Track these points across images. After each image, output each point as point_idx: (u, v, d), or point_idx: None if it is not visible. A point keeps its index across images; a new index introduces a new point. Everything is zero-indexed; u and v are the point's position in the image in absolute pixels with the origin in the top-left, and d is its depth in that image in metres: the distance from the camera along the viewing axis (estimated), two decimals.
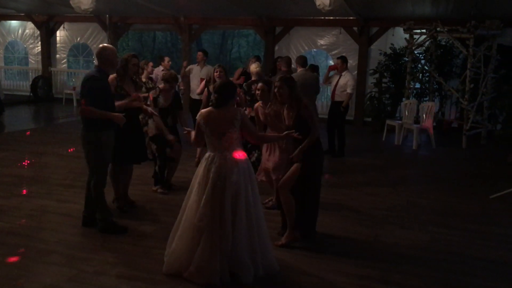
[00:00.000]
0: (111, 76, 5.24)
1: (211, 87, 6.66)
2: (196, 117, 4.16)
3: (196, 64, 9.51)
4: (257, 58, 10.94)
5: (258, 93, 5.54)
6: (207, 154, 4.09)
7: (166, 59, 9.16)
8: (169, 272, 4.03)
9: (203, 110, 4.16)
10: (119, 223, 5.01)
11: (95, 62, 16.80)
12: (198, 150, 7.14)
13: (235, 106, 4.29)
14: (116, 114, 4.80)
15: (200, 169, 4.05)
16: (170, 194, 6.24)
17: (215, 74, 6.68)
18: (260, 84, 5.57)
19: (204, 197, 3.92)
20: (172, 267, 4.04)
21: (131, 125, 5.28)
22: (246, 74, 9.67)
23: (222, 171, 3.93)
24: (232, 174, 3.93)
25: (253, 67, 7.11)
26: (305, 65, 7.76)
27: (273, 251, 4.27)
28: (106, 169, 5.04)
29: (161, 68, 9.11)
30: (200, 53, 9.56)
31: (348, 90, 8.63)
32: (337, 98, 8.77)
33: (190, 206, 4.04)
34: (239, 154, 4.03)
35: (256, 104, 5.68)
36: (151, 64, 7.55)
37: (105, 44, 4.99)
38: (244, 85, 7.03)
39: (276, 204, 5.35)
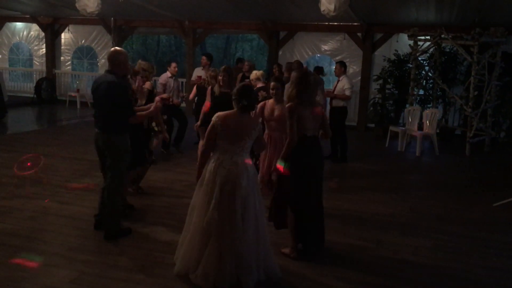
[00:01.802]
0: None
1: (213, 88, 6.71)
2: (212, 119, 3.98)
3: (201, 68, 9.50)
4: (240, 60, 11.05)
5: (273, 92, 5.62)
6: (215, 156, 3.99)
7: (173, 64, 8.96)
8: (179, 273, 4.03)
9: (221, 113, 3.99)
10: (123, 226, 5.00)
11: (99, 64, 16.57)
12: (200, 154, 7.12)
13: None
14: (149, 106, 5.09)
15: (207, 171, 3.98)
16: (173, 197, 6.24)
17: (219, 78, 6.62)
18: (273, 84, 5.65)
19: (212, 201, 3.87)
20: (182, 271, 4.03)
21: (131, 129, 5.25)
22: (245, 77, 9.69)
23: (231, 175, 3.88)
24: (242, 179, 3.89)
25: (254, 75, 7.19)
26: None
27: (274, 257, 4.25)
28: (126, 174, 4.99)
29: (168, 74, 8.93)
30: (204, 57, 9.53)
31: (347, 93, 8.64)
32: (335, 104, 8.78)
33: (198, 208, 4.00)
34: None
35: (261, 104, 5.71)
36: None
37: (117, 48, 4.91)
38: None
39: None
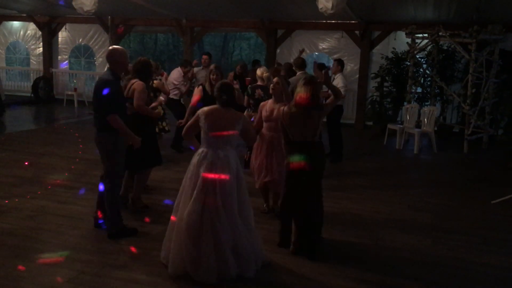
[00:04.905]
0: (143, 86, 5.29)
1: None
2: (198, 111, 4.19)
3: (201, 68, 9.39)
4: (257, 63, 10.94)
5: (273, 90, 5.43)
6: (200, 150, 4.15)
7: (204, 56, 9.29)
8: (176, 273, 4.01)
9: (205, 107, 4.21)
10: (128, 226, 4.98)
11: (96, 63, 16.57)
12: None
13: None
14: (135, 137, 4.77)
15: (191, 165, 4.12)
16: (172, 196, 6.20)
17: (211, 76, 6.57)
18: (277, 78, 5.52)
19: (194, 192, 3.96)
20: (177, 268, 4.02)
21: (144, 131, 5.24)
22: (237, 77, 9.63)
23: (214, 168, 3.99)
24: (223, 172, 3.98)
25: (260, 72, 7.04)
26: (303, 67, 7.71)
27: (261, 243, 4.33)
28: (121, 174, 4.95)
29: (179, 70, 8.96)
30: (205, 56, 9.41)
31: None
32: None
33: (183, 203, 4.07)
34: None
35: (262, 103, 5.62)
36: None
37: (115, 46, 4.89)
38: (248, 87, 6.97)
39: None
